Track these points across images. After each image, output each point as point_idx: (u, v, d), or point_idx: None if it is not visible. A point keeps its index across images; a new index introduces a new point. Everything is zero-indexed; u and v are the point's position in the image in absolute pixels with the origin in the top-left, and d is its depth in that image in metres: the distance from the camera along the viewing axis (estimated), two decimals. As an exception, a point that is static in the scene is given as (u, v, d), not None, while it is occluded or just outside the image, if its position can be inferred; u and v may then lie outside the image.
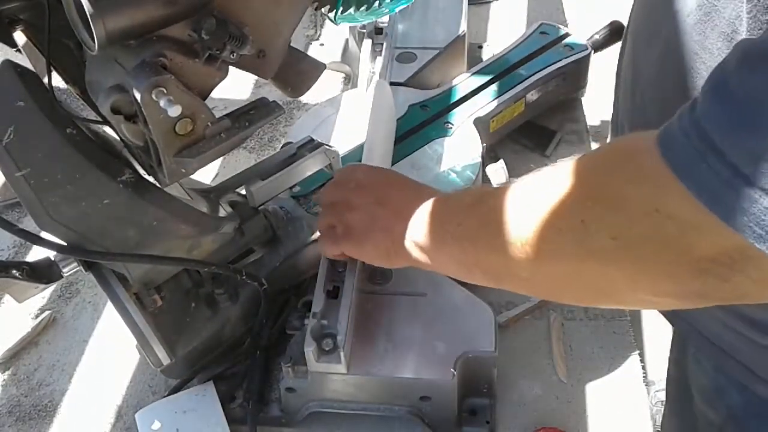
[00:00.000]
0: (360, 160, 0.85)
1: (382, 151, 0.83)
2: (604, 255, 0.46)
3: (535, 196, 0.51)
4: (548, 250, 0.49)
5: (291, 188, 0.80)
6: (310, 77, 0.66)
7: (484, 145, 0.90)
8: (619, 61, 0.82)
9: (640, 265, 0.45)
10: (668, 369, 0.86)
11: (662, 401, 1.64)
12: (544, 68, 1.00)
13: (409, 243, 0.63)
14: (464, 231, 0.57)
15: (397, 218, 0.64)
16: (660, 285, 0.45)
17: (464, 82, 0.99)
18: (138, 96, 0.49)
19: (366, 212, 0.67)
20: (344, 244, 0.68)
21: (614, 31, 1.09)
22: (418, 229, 0.62)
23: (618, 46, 1.09)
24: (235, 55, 0.53)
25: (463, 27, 1.04)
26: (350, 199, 0.68)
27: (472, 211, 0.58)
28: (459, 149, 0.89)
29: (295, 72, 0.64)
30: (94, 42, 0.47)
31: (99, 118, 0.58)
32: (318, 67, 0.66)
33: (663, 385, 1.68)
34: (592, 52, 1.04)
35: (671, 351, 0.84)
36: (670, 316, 0.75)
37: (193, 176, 0.60)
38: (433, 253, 0.61)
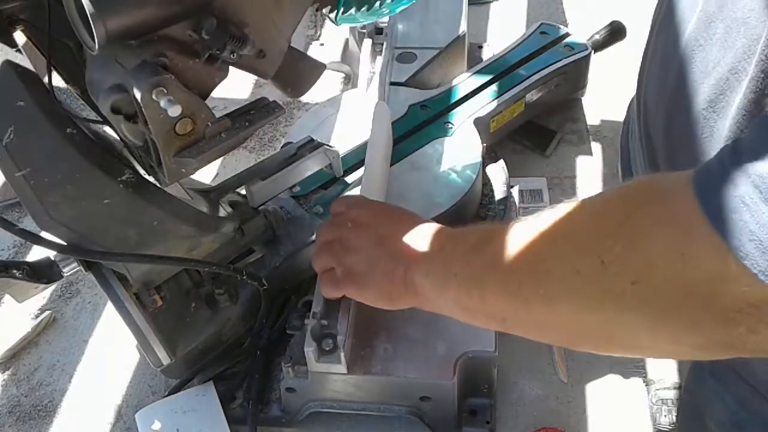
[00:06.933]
0: (360, 162, 0.85)
1: (381, 177, 0.81)
2: (623, 300, 0.43)
3: (549, 234, 0.48)
4: (563, 293, 0.46)
5: (291, 188, 0.80)
6: (310, 77, 0.66)
7: (484, 145, 0.90)
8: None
9: (662, 313, 0.42)
10: (681, 395, 0.85)
11: (663, 400, 1.65)
12: (544, 68, 1.00)
13: (410, 285, 0.60)
14: (469, 273, 0.54)
15: (397, 260, 0.61)
16: (683, 335, 0.42)
17: (464, 82, 0.99)
18: (138, 96, 0.49)
19: (365, 254, 0.64)
20: (345, 288, 0.66)
21: (614, 31, 1.09)
22: (420, 270, 0.59)
23: (617, 46, 1.10)
24: (235, 55, 0.53)
25: (463, 27, 1.04)
26: (348, 240, 0.66)
27: (477, 251, 0.54)
28: (459, 149, 0.88)
29: (295, 72, 0.64)
30: (94, 42, 0.47)
31: (99, 118, 0.58)
32: (318, 68, 0.66)
33: (663, 384, 1.69)
34: (592, 52, 1.03)
35: (686, 378, 0.82)
36: None
37: (193, 176, 0.60)
38: (436, 294, 0.58)
